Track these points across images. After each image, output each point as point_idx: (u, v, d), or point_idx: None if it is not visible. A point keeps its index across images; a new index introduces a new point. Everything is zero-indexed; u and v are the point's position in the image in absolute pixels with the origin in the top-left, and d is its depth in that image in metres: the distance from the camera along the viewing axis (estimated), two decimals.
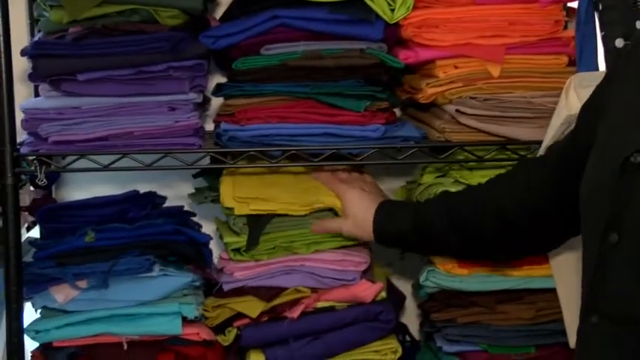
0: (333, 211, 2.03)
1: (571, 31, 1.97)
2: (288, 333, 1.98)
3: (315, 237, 2.03)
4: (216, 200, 2.07)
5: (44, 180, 1.94)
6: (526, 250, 1.86)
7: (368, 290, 2.01)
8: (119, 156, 1.95)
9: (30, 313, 2.01)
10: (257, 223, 2.01)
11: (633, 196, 1.30)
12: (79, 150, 1.96)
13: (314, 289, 2.02)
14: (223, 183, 2.03)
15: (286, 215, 2.02)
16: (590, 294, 1.39)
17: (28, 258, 1.99)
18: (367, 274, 2.05)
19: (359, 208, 1.94)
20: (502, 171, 1.97)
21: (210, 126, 2.14)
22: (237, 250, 2.01)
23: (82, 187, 2.34)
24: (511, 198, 1.76)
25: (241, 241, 2.01)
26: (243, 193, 2.01)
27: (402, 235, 1.91)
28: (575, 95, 1.84)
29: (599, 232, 1.36)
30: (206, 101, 2.17)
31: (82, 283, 1.95)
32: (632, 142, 1.31)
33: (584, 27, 1.90)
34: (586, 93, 1.80)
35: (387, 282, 2.16)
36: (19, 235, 1.93)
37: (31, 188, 2.10)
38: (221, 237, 2.08)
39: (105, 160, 1.95)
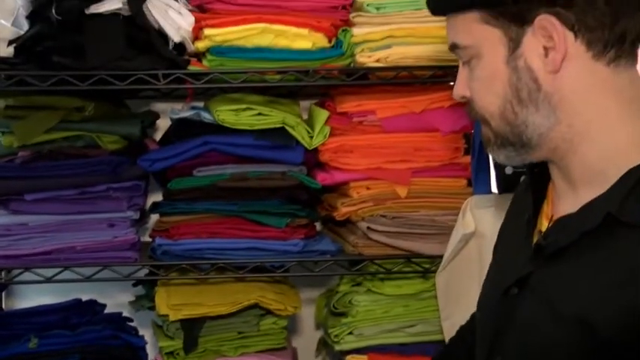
0: (258, 307, 2.02)
1: (468, 157, 1.97)
2: None
3: (242, 341, 2.02)
4: (152, 308, 2.04)
5: None
6: None
7: None
8: (61, 269, 1.94)
9: None
10: (192, 328, 2.00)
11: (510, 322, 1.30)
12: (24, 264, 1.94)
13: None
14: (158, 293, 2.02)
15: (216, 318, 1.99)
16: None
17: None
18: None
19: None
20: (408, 282, 2.02)
21: (148, 238, 2.12)
22: (170, 354, 1.99)
23: (28, 297, 2.30)
24: None
25: (175, 344, 1.99)
26: (177, 300, 2.00)
27: None
28: (470, 215, 1.87)
29: (486, 350, 1.36)
30: (145, 215, 2.16)
31: None
32: (510, 276, 1.31)
33: (478, 155, 1.90)
34: (481, 214, 1.86)
35: None
36: None
37: None
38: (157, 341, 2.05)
39: (48, 272, 1.93)
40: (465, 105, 1.37)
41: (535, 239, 1.32)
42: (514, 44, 1.22)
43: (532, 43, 1.20)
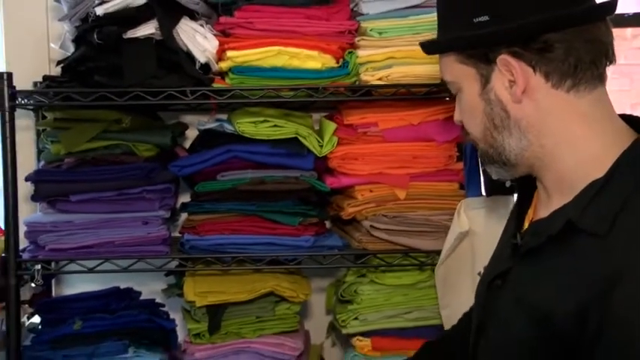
0: (273, 295, 2.04)
1: (461, 164, 2.01)
2: None
3: (260, 324, 2.05)
4: (181, 295, 2.07)
5: (40, 280, 1.96)
6: None
7: None
8: (102, 261, 1.97)
9: None
10: (216, 312, 2.03)
11: (493, 311, 1.34)
12: (70, 256, 1.98)
13: None
14: (186, 282, 2.05)
15: (237, 304, 2.02)
16: None
17: (27, 342, 2.00)
18: (302, 356, 2.06)
19: None
20: (407, 274, 2.05)
21: (177, 234, 2.15)
22: (197, 335, 2.03)
23: (74, 285, 2.33)
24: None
25: (201, 327, 2.02)
26: (203, 288, 2.02)
27: None
28: (465, 216, 1.90)
29: (474, 334, 1.42)
30: (175, 214, 2.19)
31: None
32: (495, 270, 1.36)
33: (469, 161, 1.95)
34: (473, 214, 1.91)
35: (319, 358, 2.21)
36: (19, 324, 1.95)
37: (33, 285, 2.04)
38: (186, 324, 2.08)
39: (91, 264, 1.97)
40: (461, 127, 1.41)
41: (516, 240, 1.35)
42: (485, 80, 1.28)
43: (499, 78, 1.26)
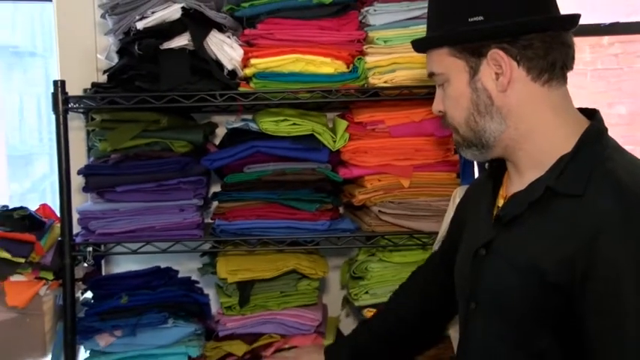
0: (295, 272, 2.09)
1: (457, 156, 2.07)
2: None
3: (284, 298, 2.10)
4: (214, 273, 2.13)
5: (91, 260, 2.03)
6: (429, 341, 1.87)
7: (317, 341, 2.11)
8: (144, 243, 2.04)
9: (82, 355, 2.10)
10: (245, 288, 2.10)
11: (481, 276, 1.42)
12: (116, 239, 2.04)
13: (282, 336, 2.10)
14: (218, 262, 2.11)
15: (263, 281, 2.08)
16: (460, 342, 1.53)
17: (81, 314, 2.07)
18: (320, 326, 2.12)
19: None
20: (411, 253, 2.08)
21: (209, 220, 2.19)
22: (229, 308, 2.11)
23: (120, 265, 2.39)
24: (416, 303, 1.80)
25: (232, 301, 2.10)
26: (233, 267, 2.09)
27: None
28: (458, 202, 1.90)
29: (465, 300, 1.48)
30: (207, 202, 2.23)
31: (118, 333, 2.02)
32: (478, 242, 1.44)
33: None
34: None
35: (336, 329, 2.25)
36: (73, 299, 2.02)
37: (85, 265, 2.10)
38: (219, 298, 2.15)
39: (134, 246, 2.04)
40: (441, 118, 1.50)
41: (495, 213, 1.45)
42: (474, 71, 1.37)
43: (486, 70, 1.36)
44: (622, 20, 2.51)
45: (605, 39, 3.37)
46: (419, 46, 1.49)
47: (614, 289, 1.21)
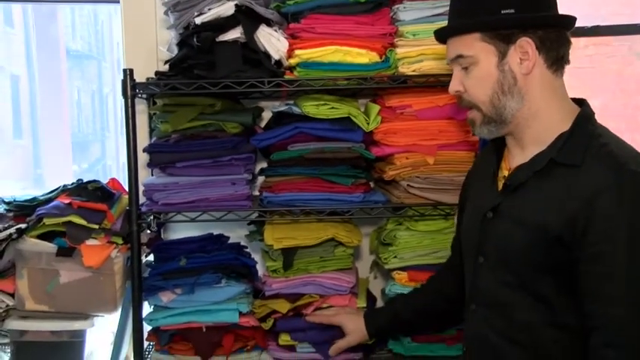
0: (333, 240, 2.12)
1: (476, 137, 2.04)
2: (304, 323, 2.10)
3: (323, 263, 2.14)
4: (261, 240, 2.18)
5: (155, 227, 2.11)
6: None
7: (352, 301, 2.16)
8: (200, 213, 2.08)
9: (147, 309, 2.16)
10: (289, 254, 2.14)
11: (489, 235, 1.52)
12: (176, 209, 2.09)
13: (321, 296, 2.14)
14: (266, 230, 2.16)
15: (305, 247, 2.12)
16: (470, 292, 1.60)
17: (145, 274, 2.13)
18: (354, 288, 2.17)
19: (353, 323, 1.98)
20: (435, 222, 2.14)
21: (257, 192, 2.25)
22: (274, 271, 2.15)
23: (179, 231, 2.44)
24: (448, 286, 1.84)
25: (277, 265, 2.14)
26: (278, 235, 2.13)
27: (383, 329, 1.96)
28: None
29: (473, 256, 1.57)
30: (256, 177, 2.29)
31: (178, 290, 2.09)
32: (485, 207, 1.54)
33: None
34: None
35: (366, 290, 2.29)
36: (140, 261, 2.09)
37: (148, 231, 2.19)
38: (265, 262, 2.20)
39: (192, 215, 2.08)
40: (456, 98, 1.56)
41: (500, 182, 1.54)
42: (502, 55, 1.47)
43: (514, 55, 1.47)
44: (601, 24, 2.65)
45: (582, 41, 3.45)
46: (452, 31, 1.54)
47: (608, 241, 1.32)
